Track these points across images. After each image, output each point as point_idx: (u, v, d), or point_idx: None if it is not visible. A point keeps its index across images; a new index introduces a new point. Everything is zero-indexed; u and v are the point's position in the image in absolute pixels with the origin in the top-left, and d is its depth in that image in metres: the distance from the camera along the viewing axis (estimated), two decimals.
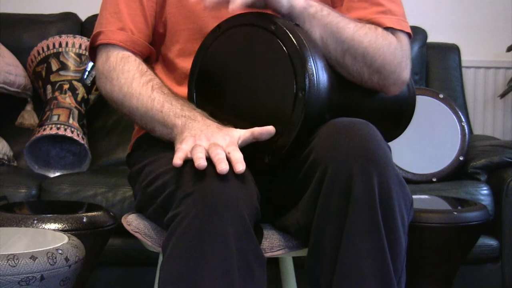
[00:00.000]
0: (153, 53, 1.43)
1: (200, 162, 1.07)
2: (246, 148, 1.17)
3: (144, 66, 1.33)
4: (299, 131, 1.15)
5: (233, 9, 1.16)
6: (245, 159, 1.18)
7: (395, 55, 1.27)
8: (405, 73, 1.29)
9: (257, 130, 1.16)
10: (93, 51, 1.41)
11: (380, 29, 1.27)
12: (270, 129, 1.16)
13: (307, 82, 1.14)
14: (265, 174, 1.23)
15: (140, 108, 1.27)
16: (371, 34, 1.25)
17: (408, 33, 1.32)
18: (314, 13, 1.23)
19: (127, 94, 1.29)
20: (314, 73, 1.15)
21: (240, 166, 1.08)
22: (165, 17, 1.40)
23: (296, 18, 1.24)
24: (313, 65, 1.15)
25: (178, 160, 1.10)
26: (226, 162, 1.08)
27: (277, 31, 1.18)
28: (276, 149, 1.17)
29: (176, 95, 1.27)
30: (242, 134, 1.16)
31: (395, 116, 1.40)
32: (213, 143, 1.12)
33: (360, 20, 1.28)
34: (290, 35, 1.16)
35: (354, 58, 1.24)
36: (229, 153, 1.10)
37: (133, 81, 1.29)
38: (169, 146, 1.28)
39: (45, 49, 2.36)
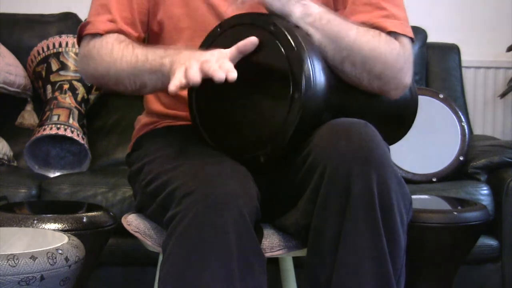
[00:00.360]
0: None
1: (195, 79, 1.08)
2: (243, 147, 1.17)
3: (122, 36, 1.34)
4: (294, 132, 1.15)
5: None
6: (241, 158, 1.18)
7: (397, 61, 1.26)
8: (407, 78, 1.29)
9: (240, 43, 1.16)
10: (81, 41, 1.41)
11: (383, 35, 1.27)
12: (252, 39, 1.16)
13: (303, 84, 1.14)
14: (265, 174, 1.24)
15: (126, 67, 1.27)
16: (373, 41, 1.24)
17: (410, 38, 1.32)
18: (312, 22, 1.22)
19: (111, 62, 1.29)
20: (311, 75, 1.15)
21: (232, 74, 1.09)
22: (162, 16, 1.40)
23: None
24: (310, 66, 1.15)
25: (173, 86, 1.10)
26: (222, 71, 1.08)
27: (276, 31, 1.18)
28: (272, 150, 1.17)
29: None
30: (228, 52, 1.16)
31: (397, 119, 1.40)
32: (203, 61, 1.11)
33: (364, 24, 1.28)
34: (288, 36, 1.17)
35: (353, 65, 1.24)
36: (219, 66, 1.10)
37: (114, 49, 1.30)
38: (169, 144, 1.28)
39: (45, 49, 2.36)
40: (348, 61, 1.23)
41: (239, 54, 1.17)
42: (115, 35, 1.34)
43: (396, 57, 1.26)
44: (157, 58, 1.22)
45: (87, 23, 1.38)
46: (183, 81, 1.10)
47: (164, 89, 1.21)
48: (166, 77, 1.18)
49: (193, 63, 1.12)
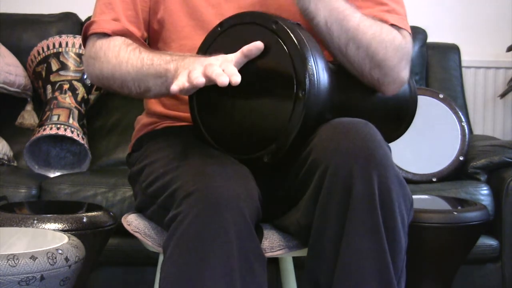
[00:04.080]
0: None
1: (198, 80, 1.08)
2: (247, 147, 1.16)
3: (129, 40, 1.33)
4: (299, 131, 1.15)
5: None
6: (245, 159, 1.18)
7: (397, 51, 1.27)
8: (404, 72, 1.29)
9: (245, 47, 1.16)
10: (85, 41, 1.41)
11: (385, 24, 1.28)
12: (258, 44, 1.16)
13: (307, 82, 1.14)
14: (266, 174, 1.23)
15: (131, 71, 1.27)
16: (376, 27, 1.25)
17: (409, 34, 1.33)
18: None
19: (116, 64, 1.29)
20: (315, 73, 1.15)
21: (236, 77, 1.09)
22: (162, 14, 1.40)
23: None
24: (313, 64, 1.15)
25: (175, 86, 1.10)
26: (225, 75, 1.08)
27: (278, 30, 1.17)
28: (276, 149, 1.17)
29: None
30: (233, 56, 1.16)
31: (397, 117, 1.40)
32: (207, 64, 1.11)
33: None
34: (291, 34, 1.16)
35: (357, 48, 1.24)
36: (223, 69, 1.10)
37: (120, 51, 1.30)
38: (169, 145, 1.28)
39: (45, 49, 2.36)
40: (353, 43, 1.23)
41: (245, 58, 1.17)
42: (122, 38, 1.34)
43: (397, 47, 1.27)
44: (162, 63, 1.22)
45: (91, 22, 1.38)
46: (186, 84, 1.10)
47: (168, 94, 1.21)
48: (170, 82, 1.18)
49: (196, 66, 1.12)
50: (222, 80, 1.07)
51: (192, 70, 1.11)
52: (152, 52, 1.27)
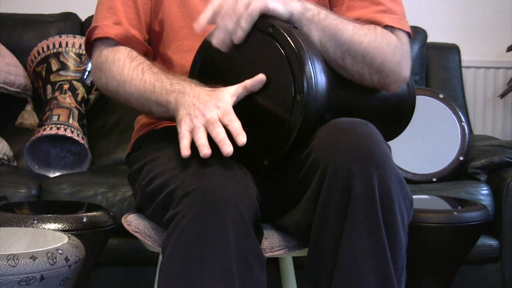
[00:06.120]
0: (149, 52, 1.43)
1: (205, 151, 1.09)
2: (246, 150, 1.17)
3: (134, 53, 1.34)
4: (297, 134, 1.15)
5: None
6: (244, 161, 1.18)
7: (395, 54, 1.27)
8: (405, 71, 1.30)
9: (248, 82, 1.16)
10: (90, 46, 1.41)
11: (379, 29, 1.27)
12: (260, 77, 1.17)
13: (305, 85, 1.14)
14: (265, 174, 1.23)
15: (134, 92, 1.27)
16: (370, 34, 1.25)
17: (407, 33, 1.32)
18: (312, 17, 1.23)
19: (120, 82, 1.30)
20: (313, 76, 1.15)
21: (241, 138, 1.09)
22: (162, 15, 1.40)
23: (294, 24, 1.24)
24: (311, 67, 1.15)
25: (185, 151, 1.11)
26: (229, 143, 1.09)
27: (275, 33, 1.18)
28: (275, 152, 1.17)
29: (166, 72, 1.28)
30: (234, 91, 1.16)
31: (395, 115, 1.40)
32: (210, 121, 1.12)
33: (360, 19, 1.28)
34: (288, 38, 1.16)
35: (354, 59, 1.24)
36: (227, 125, 1.11)
37: (124, 68, 1.30)
38: (168, 145, 1.28)
39: (45, 49, 2.36)
40: (349, 55, 1.23)
41: (246, 92, 1.17)
42: (127, 50, 1.34)
43: (393, 50, 1.27)
44: (163, 92, 1.22)
45: (94, 27, 1.38)
46: (190, 140, 1.12)
47: (170, 119, 1.23)
48: (172, 114, 1.20)
49: (199, 118, 1.13)
50: (227, 150, 1.08)
51: (196, 130, 1.11)
52: (154, 73, 1.26)
